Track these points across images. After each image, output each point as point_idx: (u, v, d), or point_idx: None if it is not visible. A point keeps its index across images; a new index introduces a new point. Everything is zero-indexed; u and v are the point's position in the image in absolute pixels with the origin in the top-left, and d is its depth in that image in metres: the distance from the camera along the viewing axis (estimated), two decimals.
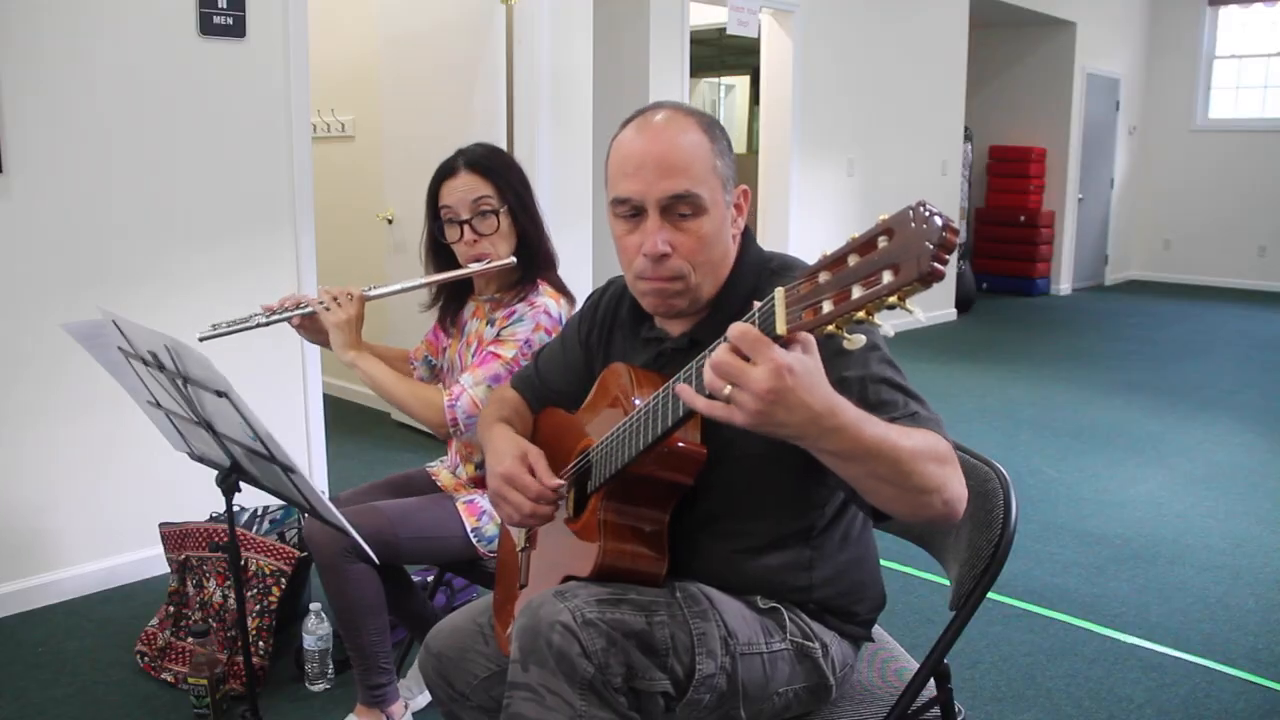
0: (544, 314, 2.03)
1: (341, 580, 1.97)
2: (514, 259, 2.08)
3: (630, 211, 1.33)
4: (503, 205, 2.06)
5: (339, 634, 2.20)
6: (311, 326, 2.10)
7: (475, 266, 2.06)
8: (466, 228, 2.05)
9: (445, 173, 2.10)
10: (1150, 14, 10.46)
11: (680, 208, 1.30)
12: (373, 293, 2.07)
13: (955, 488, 1.15)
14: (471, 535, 2.04)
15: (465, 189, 2.05)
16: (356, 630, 2.02)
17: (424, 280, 2.12)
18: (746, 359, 0.99)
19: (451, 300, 2.23)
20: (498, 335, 2.04)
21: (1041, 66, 9.38)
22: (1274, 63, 10.04)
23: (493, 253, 2.06)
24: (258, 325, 2.01)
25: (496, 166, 2.10)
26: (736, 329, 1.00)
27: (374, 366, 2.05)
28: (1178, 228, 10.62)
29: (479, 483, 2.17)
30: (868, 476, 1.10)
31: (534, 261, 2.11)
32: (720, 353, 1.00)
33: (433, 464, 2.28)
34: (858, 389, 1.23)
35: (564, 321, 2.04)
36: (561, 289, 2.12)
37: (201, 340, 1.96)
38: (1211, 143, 10.29)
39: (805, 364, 1.00)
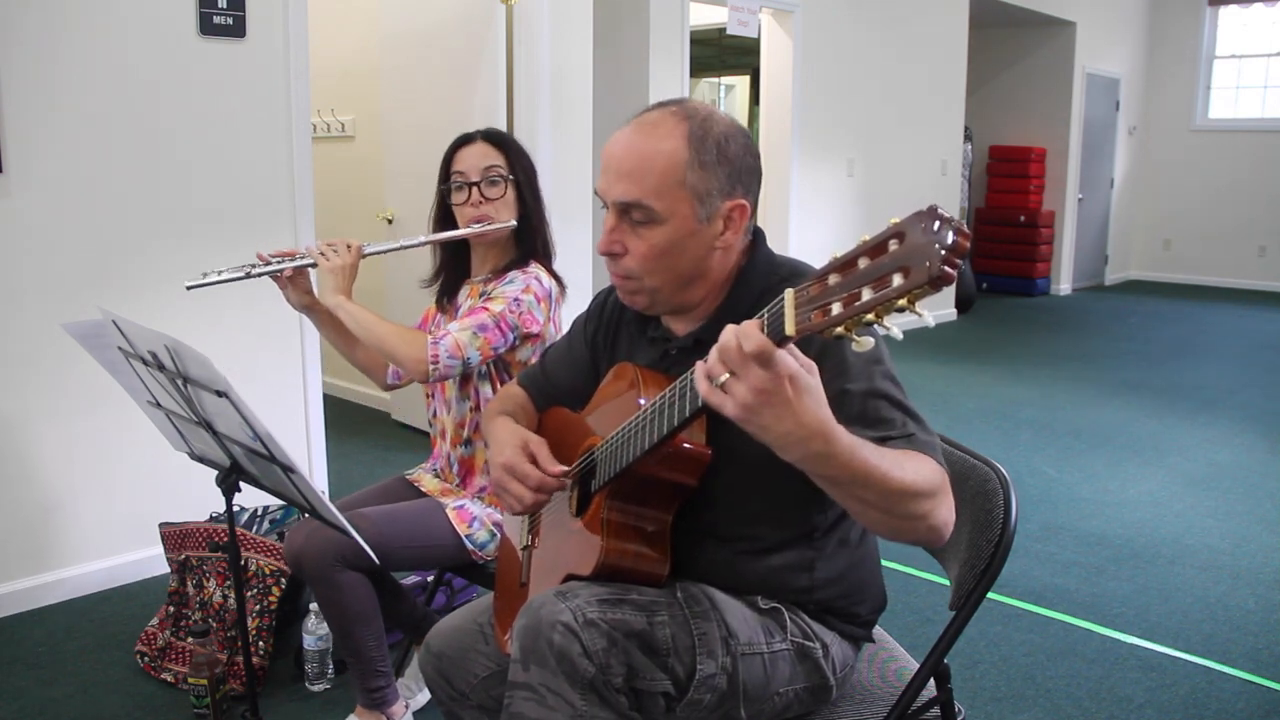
0: (535, 280, 2.08)
1: (333, 590, 1.96)
2: (514, 223, 2.13)
3: (604, 205, 1.36)
4: (511, 176, 2.13)
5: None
6: (300, 286, 2.10)
7: (475, 228, 2.11)
8: (474, 190, 2.11)
9: (462, 141, 2.18)
10: (1150, 14, 10.47)
11: (634, 214, 1.31)
12: (370, 249, 2.10)
13: (942, 515, 1.17)
14: (466, 541, 2.04)
15: (479, 155, 2.13)
16: (352, 637, 2.02)
17: (423, 239, 2.15)
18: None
19: (451, 277, 2.25)
20: (487, 294, 2.08)
21: (1041, 66, 9.38)
22: (1274, 63, 10.04)
23: (494, 217, 2.11)
24: (248, 276, 2.01)
25: (510, 142, 2.19)
26: (749, 332, 0.99)
27: (359, 309, 2.05)
28: (1178, 228, 10.63)
29: (466, 464, 2.17)
30: (852, 499, 1.13)
31: (531, 244, 2.16)
32: (730, 339, 1.00)
33: (412, 471, 2.28)
34: (859, 403, 1.24)
35: (553, 296, 2.11)
36: (554, 274, 2.17)
37: (189, 289, 1.97)
38: (1211, 143, 10.29)
39: (808, 381, 1.01)
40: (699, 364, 1.05)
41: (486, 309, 2.03)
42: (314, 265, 2.06)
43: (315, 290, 2.14)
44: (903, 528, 1.16)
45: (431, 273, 2.27)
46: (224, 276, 1.99)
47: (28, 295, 2.82)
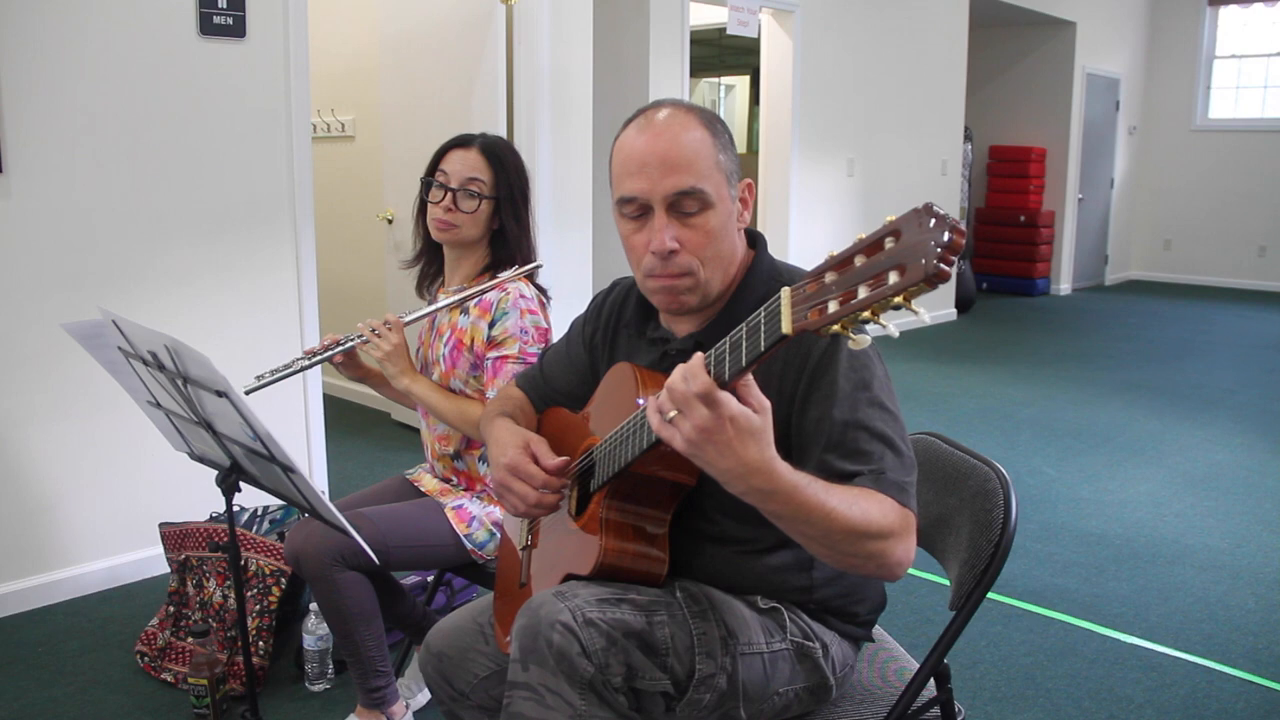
0: (519, 298, 2.07)
1: (332, 589, 1.96)
2: (541, 264, 2.15)
3: (637, 211, 1.33)
4: (492, 195, 2.10)
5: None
6: (351, 364, 2.14)
7: (505, 275, 2.10)
8: (450, 195, 2.08)
9: (458, 142, 2.14)
10: (1150, 14, 10.47)
11: (686, 204, 1.31)
12: (409, 317, 2.12)
13: (896, 555, 1.19)
14: (465, 541, 2.04)
15: (467, 163, 2.10)
16: (351, 637, 2.02)
17: (455, 299, 2.11)
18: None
19: (430, 266, 2.26)
20: (490, 339, 2.06)
21: (1041, 66, 9.38)
22: (1274, 63, 10.04)
23: (459, 229, 2.09)
24: (301, 369, 2.05)
25: (505, 158, 2.13)
26: (695, 371, 1.03)
27: (426, 391, 2.08)
28: (1178, 228, 10.63)
29: (465, 477, 2.17)
30: (795, 533, 1.16)
31: (506, 255, 2.14)
32: (677, 379, 1.04)
33: (412, 470, 2.28)
34: (839, 432, 1.25)
35: (535, 301, 2.10)
36: (531, 283, 2.15)
37: (247, 393, 1.95)
38: (1211, 143, 10.29)
39: (751, 421, 1.04)
40: (650, 399, 1.10)
41: (506, 357, 2.03)
42: (362, 342, 2.08)
43: (365, 362, 2.18)
44: (847, 563, 1.19)
45: (413, 255, 2.28)
46: (278, 375, 2.03)
47: (28, 295, 2.82)
